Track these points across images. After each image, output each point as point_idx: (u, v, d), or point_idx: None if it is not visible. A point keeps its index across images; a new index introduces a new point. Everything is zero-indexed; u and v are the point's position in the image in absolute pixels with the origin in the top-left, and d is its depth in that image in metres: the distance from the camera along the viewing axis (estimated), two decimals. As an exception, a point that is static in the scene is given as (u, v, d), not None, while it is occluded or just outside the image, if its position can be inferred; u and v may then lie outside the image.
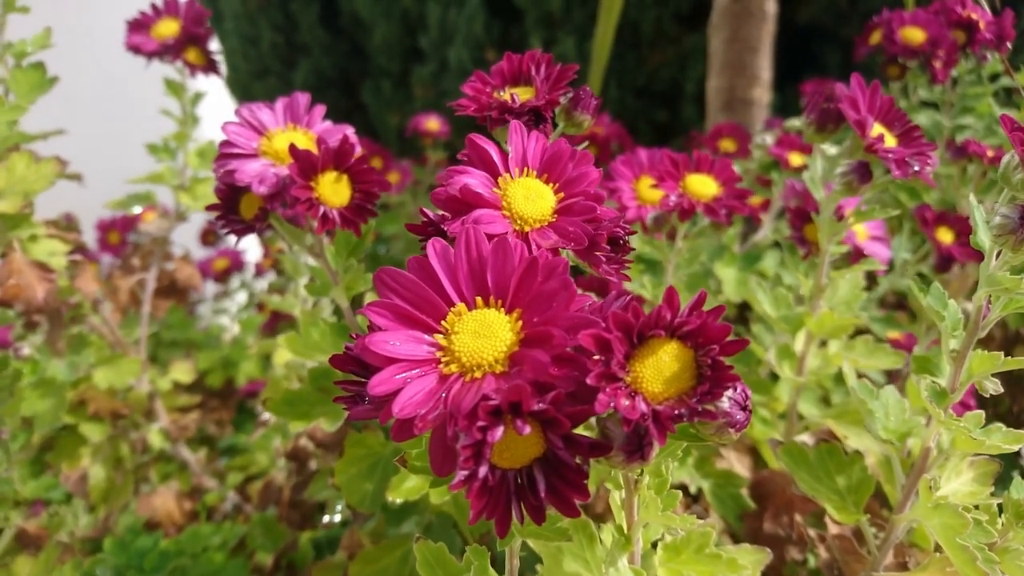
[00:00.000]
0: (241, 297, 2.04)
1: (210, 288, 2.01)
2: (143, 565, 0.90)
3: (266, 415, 1.21)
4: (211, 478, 1.17)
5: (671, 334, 0.35)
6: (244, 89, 3.39)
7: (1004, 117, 0.44)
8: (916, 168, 0.61)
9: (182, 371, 1.15)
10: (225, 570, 0.94)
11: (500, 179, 0.48)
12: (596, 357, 0.34)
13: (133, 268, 1.07)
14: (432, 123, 1.94)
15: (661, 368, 0.34)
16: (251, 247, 2.10)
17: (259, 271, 2.00)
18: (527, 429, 0.33)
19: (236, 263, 1.98)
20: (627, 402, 0.33)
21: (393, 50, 3.05)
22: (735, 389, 0.34)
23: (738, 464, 0.86)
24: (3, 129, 0.84)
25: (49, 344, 0.97)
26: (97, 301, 1.00)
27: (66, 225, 0.99)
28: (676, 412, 0.33)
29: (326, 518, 0.95)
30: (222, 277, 1.95)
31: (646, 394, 0.34)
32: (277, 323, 1.46)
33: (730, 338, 0.33)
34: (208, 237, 2.06)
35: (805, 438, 0.77)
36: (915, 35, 1.22)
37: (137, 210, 1.31)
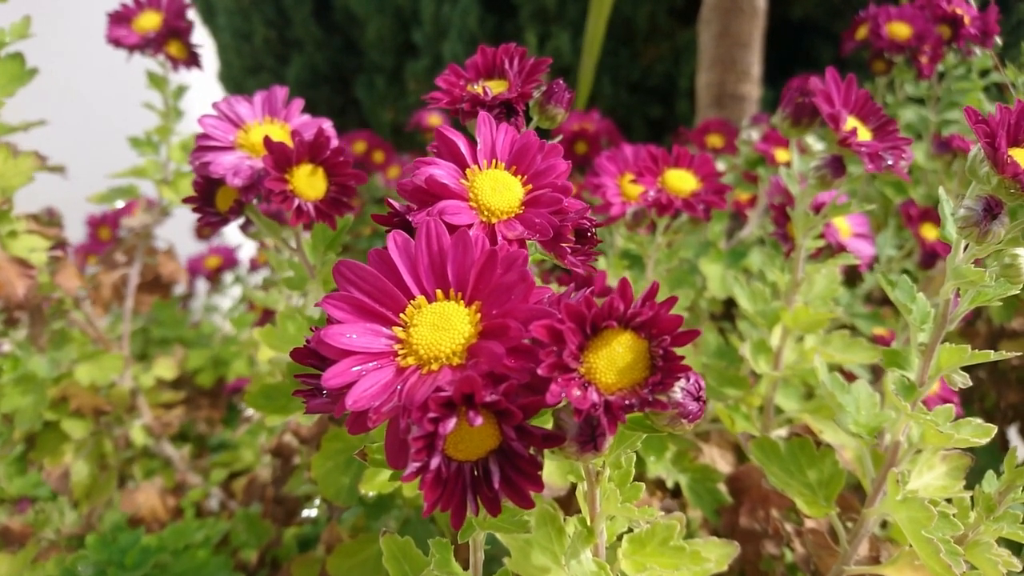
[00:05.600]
0: (236, 292, 2.03)
1: (202, 284, 2.01)
2: (124, 561, 0.90)
3: (249, 411, 1.21)
4: (195, 474, 1.16)
5: (624, 325, 0.34)
6: (237, 85, 3.38)
7: (968, 109, 0.44)
8: (890, 162, 0.61)
9: (165, 367, 1.15)
10: (208, 566, 0.94)
11: (468, 170, 0.48)
12: (550, 348, 0.34)
13: (116, 263, 1.07)
14: (434, 118, 1.95)
15: (614, 359, 0.34)
16: (246, 242, 2.10)
17: (254, 266, 1.99)
18: (479, 420, 0.33)
19: (229, 260, 1.98)
20: (578, 392, 0.33)
21: (386, 45, 3.05)
22: (688, 380, 0.34)
23: (721, 460, 0.86)
24: (-19, 123, 0.84)
25: (30, 340, 0.97)
26: (79, 297, 0.99)
27: (48, 220, 0.99)
28: (627, 402, 0.33)
29: (305, 512, 0.95)
30: (214, 275, 1.95)
31: (599, 385, 0.34)
32: (269, 319, 1.46)
33: (682, 329, 0.33)
34: (202, 231, 2.05)
35: (781, 432, 0.77)
36: (901, 30, 1.22)
37: (120, 204, 1.31)
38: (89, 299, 1.00)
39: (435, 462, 0.33)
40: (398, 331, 0.38)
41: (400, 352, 0.38)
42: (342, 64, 3.28)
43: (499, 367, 0.35)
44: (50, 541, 1.05)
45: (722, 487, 0.76)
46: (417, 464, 0.33)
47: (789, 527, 0.66)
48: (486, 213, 0.47)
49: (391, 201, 0.47)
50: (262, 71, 3.33)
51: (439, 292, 0.39)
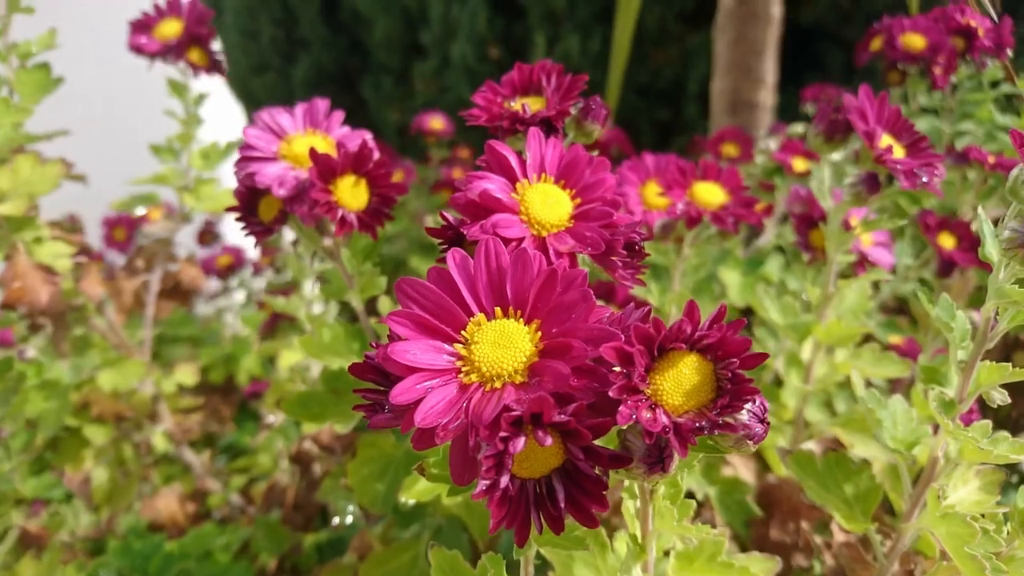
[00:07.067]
0: (239, 295, 2.04)
1: (209, 286, 2.01)
2: (147, 568, 0.90)
3: (271, 417, 1.21)
4: (214, 480, 1.17)
5: (691, 347, 0.35)
6: (243, 85, 3.39)
7: (1014, 132, 0.45)
8: (924, 179, 0.61)
9: (186, 373, 1.15)
10: (230, 572, 0.94)
11: (518, 184, 0.49)
12: (617, 369, 0.34)
13: (137, 269, 1.07)
14: (436, 122, 1.95)
15: (681, 381, 0.34)
16: (249, 245, 2.10)
17: (257, 269, 2.00)
18: (549, 440, 0.33)
19: (239, 260, 1.98)
20: (648, 414, 0.33)
21: (394, 46, 3.05)
22: (754, 402, 0.34)
23: (744, 470, 0.87)
24: (8, 131, 0.84)
25: (53, 346, 0.97)
26: (101, 303, 1.00)
27: (70, 226, 0.99)
28: (697, 425, 0.33)
29: (335, 520, 0.95)
30: (225, 273, 1.95)
31: (666, 406, 0.34)
32: (277, 323, 1.46)
33: (749, 352, 0.34)
34: (205, 237, 2.06)
35: (811, 445, 0.77)
36: (915, 41, 1.23)
37: (141, 211, 1.31)
38: (112, 305, 1.01)
39: (504, 480, 0.34)
40: (460, 348, 0.39)
41: (463, 369, 0.38)
42: (349, 64, 3.28)
43: (564, 387, 0.35)
44: (65, 544, 1.05)
45: (750, 499, 0.76)
46: (487, 482, 0.34)
47: (819, 540, 0.67)
48: (537, 226, 0.47)
49: (445, 214, 0.48)
50: (268, 71, 3.33)
51: (498, 310, 0.40)
